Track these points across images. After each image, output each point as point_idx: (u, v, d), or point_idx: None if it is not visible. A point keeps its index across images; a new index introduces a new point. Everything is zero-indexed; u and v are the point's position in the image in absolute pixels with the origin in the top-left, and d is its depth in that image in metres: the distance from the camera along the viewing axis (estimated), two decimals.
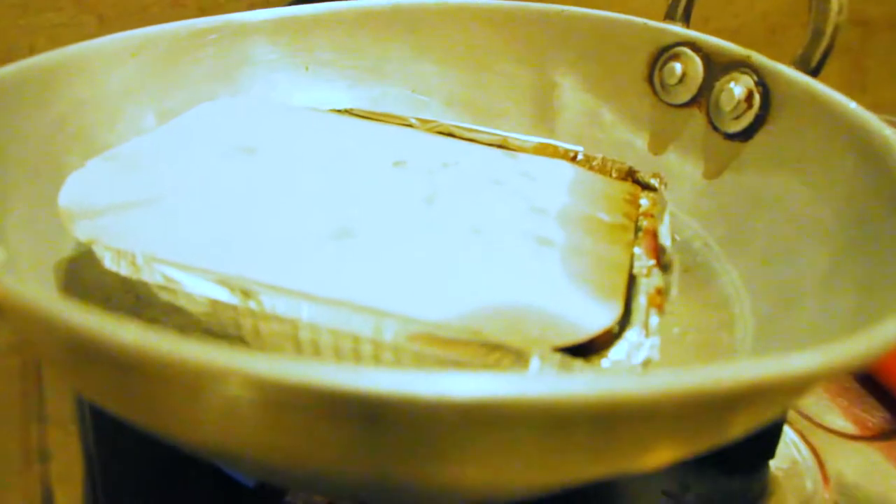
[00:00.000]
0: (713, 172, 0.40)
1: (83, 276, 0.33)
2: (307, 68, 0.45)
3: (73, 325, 0.18)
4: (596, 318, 0.27)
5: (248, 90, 0.43)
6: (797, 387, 0.20)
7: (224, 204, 0.31)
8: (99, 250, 0.29)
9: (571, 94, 0.45)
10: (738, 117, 0.39)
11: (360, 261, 0.29)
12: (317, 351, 0.28)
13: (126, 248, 0.29)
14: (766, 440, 0.39)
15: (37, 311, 0.19)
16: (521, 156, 0.38)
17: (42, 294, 0.19)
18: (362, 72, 0.46)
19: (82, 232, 0.29)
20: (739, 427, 0.21)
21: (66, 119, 0.36)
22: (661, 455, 0.21)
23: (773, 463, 0.39)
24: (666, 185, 0.37)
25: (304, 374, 0.16)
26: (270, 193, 0.32)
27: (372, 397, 0.16)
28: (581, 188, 0.36)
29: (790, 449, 0.40)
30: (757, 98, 0.38)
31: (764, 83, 0.38)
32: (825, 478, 0.39)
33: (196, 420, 0.20)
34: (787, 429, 0.41)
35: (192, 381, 0.17)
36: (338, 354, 0.28)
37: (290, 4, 0.47)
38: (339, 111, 0.41)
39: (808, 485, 0.38)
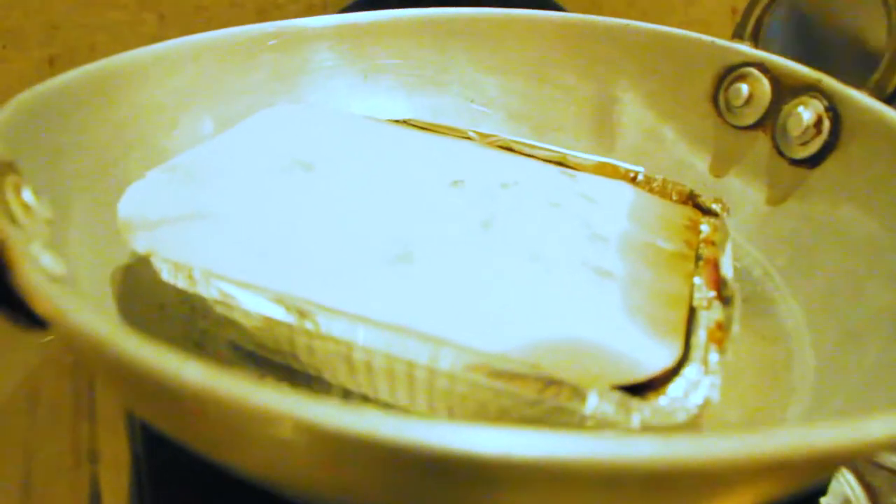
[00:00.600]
0: (777, 199, 0.39)
1: (140, 283, 0.33)
2: (366, 76, 0.44)
3: (132, 357, 0.18)
4: (656, 357, 0.27)
5: (305, 97, 0.43)
6: (876, 450, 0.20)
7: (282, 220, 0.31)
8: (157, 262, 0.30)
9: (633, 110, 0.44)
10: (805, 143, 0.38)
11: (418, 286, 0.28)
12: (370, 373, 0.28)
13: (183, 262, 0.29)
14: None
15: (93, 339, 0.19)
16: (580, 175, 0.37)
17: (100, 321, 0.19)
18: (421, 81, 0.45)
19: (141, 244, 0.29)
20: (801, 485, 0.21)
21: (125, 125, 0.36)
22: None
23: (824, 500, 0.38)
24: (728, 211, 0.36)
25: (366, 425, 0.16)
26: (328, 211, 0.32)
27: (436, 452, 0.16)
28: (641, 212, 0.35)
29: (843, 486, 0.39)
30: (826, 124, 0.37)
31: (835, 109, 0.37)
32: None
33: (250, 455, 0.20)
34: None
35: (251, 424, 0.17)
36: (391, 377, 0.28)
37: (347, 7, 0.47)
38: (397, 122, 0.41)
39: None
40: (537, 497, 0.18)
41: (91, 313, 0.19)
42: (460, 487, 0.18)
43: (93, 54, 0.37)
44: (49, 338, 0.42)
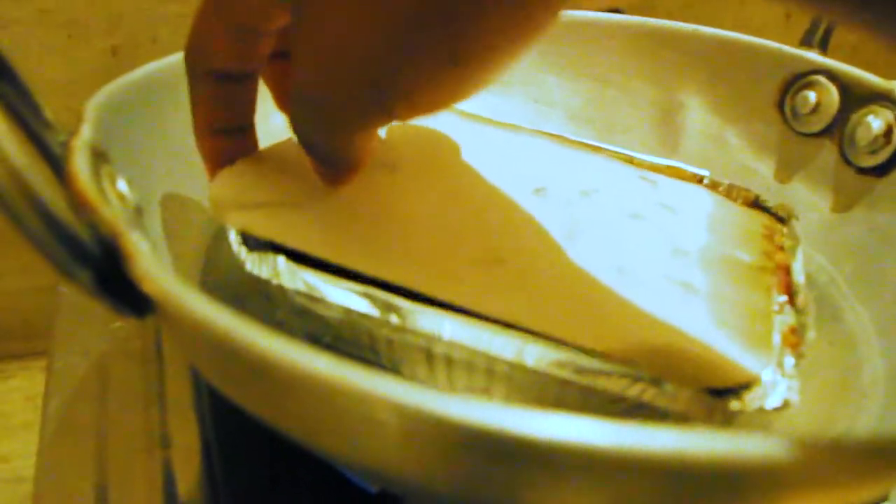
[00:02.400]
0: (843, 206, 0.39)
1: (215, 276, 0.34)
2: None
3: (241, 341, 0.18)
4: (746, 363, 0.27)
5: None
6: None
7: (369, 214, 0.31)
8: (241, 255, 0.30)
9: (697, 115, 0.44)
10: (874, 152, 0.38)
11: (509, 286, 0.29)
12: (449, 365, 0.29)
13: (278, 240, 0.29)
14: None
15: (204, 323, 0.19)
16: (660, 182, 0.38)
17: (208, 304, 0.20)
18: None
19: (235, 221, 0.30)
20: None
21: None
22: None
23: None
24: (798, 218, 0.36)
25: (448, 408, 0.16)
26: (414, 211, 0.32)
27: (517, 439, 0.16)
28: (720, 222, 0.35)
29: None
30: None
31: None
32: None
33: (328, 432, 0.20)
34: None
35: (341, 403, 0.18)
36: (470, 370, 0.28)
37: None
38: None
39: None
40: (612, 491, 0.18)
41: (203, 301, 0.20)
42: (538, 476, 0.18)
43: (155, 46, 0.37)
44: (118, 323, 0.43)
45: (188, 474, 0.35)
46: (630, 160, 0.39)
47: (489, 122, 0.40)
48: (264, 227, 0.30)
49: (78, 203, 0.24)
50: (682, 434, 0.16)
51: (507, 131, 0.40)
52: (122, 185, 0.28)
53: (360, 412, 0.18)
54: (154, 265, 0.21)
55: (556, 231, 0.32)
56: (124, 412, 0.38)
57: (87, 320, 0.43)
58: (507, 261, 0.30)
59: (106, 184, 0.27)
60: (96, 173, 0.26)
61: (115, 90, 0.33)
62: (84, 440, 0.37)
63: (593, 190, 0.35)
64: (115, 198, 0.27)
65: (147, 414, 0.38)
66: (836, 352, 0.34)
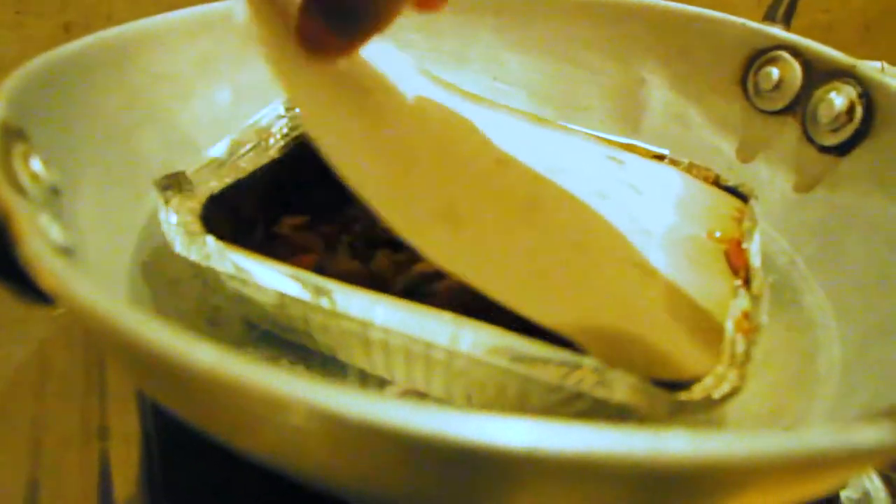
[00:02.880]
0: (805, 186, 0.38)
1: (152, 258, 0.33)
2: None
3: (140, 338, 0.17)
4: (699, 358, 0.26)
5: None
6: None
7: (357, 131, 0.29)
8: (170, 234, 0.29)
9: (660, 92, 0.43)
10: (836, 130, 0.37)
11: (462, 248, 0.27)
12: (386, 352, 0.27)
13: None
14: None
15: (102, 317, 0.18)
16: (628, 162, 0.36)
17: (109, 300, 0.18)
18: (443, 55, 0.44)
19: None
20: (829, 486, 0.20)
21: (139, 95, 0.35)
22: None
23: (844, 494, 0.37)
24: (757, 198, 0.35)
25: (383, 415, 0.15)
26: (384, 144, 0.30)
27: (458, 446, 0.15)
28: (688, 203, 0.34)
29: (863, 480, 0.38)
30: (859, 111, 0.36)
31: (868, 95, 0.36)
32: None
33: (262, 439, 0.19)
34: None
35: (264, 409, 0.16)
36: (408, 358, 0.27)
37: None
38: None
39: None
40: (567, 497, 0.17)
41: (98, 289, 0.19)
42: (483, 484, 0.17)
43: (109, 23, 0.36)
44: (60, 311, 0.42)
45: (125, 465, 0.34)
46: (589, 139, 0.38)
47: (457, 90, 0.39)
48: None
49: None
50: (626, 435, 0.15)
51: (476, 104, 0.38)
52: (35, 164, 0.26)
53: (252, 409, 0.16)
54: (42, 249, 0.20)
55: (518, 202, 0.31)
56: (62, 402, 0.37)
57: (28, 309, 0.41)
58: (466, 222, 0.28)
59: (17, 162, 0.25)
60: (5, 151, 0.25)
61: (39, 66, 0.31)
62: (18, 431, 0.35)
63: (559, 168, 0.34)
64: (26, 177, 0.25)
65: (86, 404, 0.37)
66: (793, 336, 0.33)
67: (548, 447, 0.15)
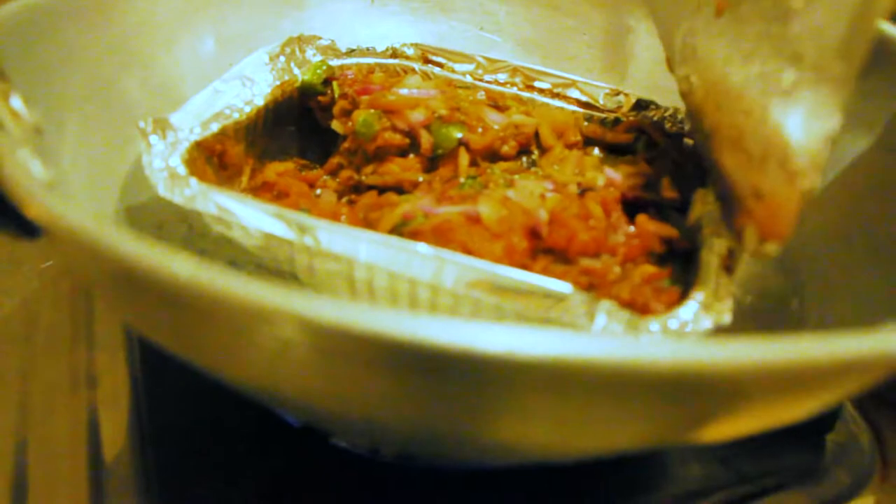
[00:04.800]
0: None
1: (136, 203, 0.33)
2: (372, 0, 0.43)
3: (122, 254, 0.17)
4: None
5: (310, 21, 0.42)
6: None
7: None
8: (153, 176, 0.29)
9: (647, 40, 0.43)
10: None
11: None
12: (371, 292, 0.27)
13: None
14: (825, 414, 0.37)
15: (85, 238, 0.18)
16: None
17: (91, 221, 0.18)
18: (429, 5, 0.44)
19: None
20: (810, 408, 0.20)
21: (121, 43, 0.35)
22: (724, 429, 0.20)
23: (829, 438, 0.38)
24: None
25: (363, 320, 0.15)
26: None
27: (435, 349, 0.15)
28: None
29: (848, 424, 0.39)
30: None
31: None
32: (883, 455, 0.37)
33: (245, 359, 0.19)
34: (846, 403, 0.39)
35: (244, 320, 0.16)
36: (393, 297, 0.27)
37: None
38: (405, 45, 0.39)
39: (865, 462, 0.37)
40: (541, 406, 0.17)
41: (80, 211, 0.19)
42: (460, 394, 0.17)
43: None
44: (48, 263, 0.42)
45: (114, 414, 0.34)
46: (573, 84, 0.38)
47: (418, 48, 0.39)
48: None
49: None
50: (607, 340, 0.15)
51: None
52: (16, 102, 0.26)
53: (231, 322, 0.16)
54: (25, 176, 0.20)
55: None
56: (50, 353, 0.37)
57: (15, 262, 0.41)
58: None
59: None
60: None
61: (16, 10, 0.31)
62: (8, 381, 0.35)
63: None
64: (7, 115, 0.25)
65: (74, 354, 0.37)
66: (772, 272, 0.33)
67: (525, 351, 0.15)
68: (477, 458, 0.24)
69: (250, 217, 0.27)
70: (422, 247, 0.25)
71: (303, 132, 0.38)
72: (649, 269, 0.28)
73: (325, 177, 0.35)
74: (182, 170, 0.29)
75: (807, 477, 0.36)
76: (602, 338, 0.15)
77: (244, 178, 0.34)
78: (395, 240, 0.26)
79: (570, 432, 0.18)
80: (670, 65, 0.34)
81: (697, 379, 0.16)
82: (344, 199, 0.33)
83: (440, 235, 0.27)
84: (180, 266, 0.16)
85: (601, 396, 0.16)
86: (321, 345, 0.16)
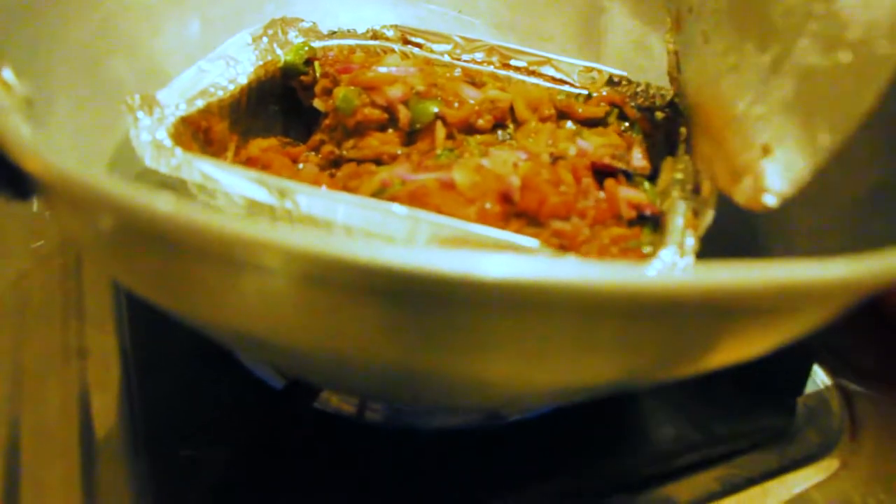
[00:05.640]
0: None
1: (125, 177, 0.34)
2: None
3: (110, 194, 0.18)
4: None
5: (292, 5, 0.43)
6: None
7: None
8: (140, 148, 0.30)
9: (620, 19, 0.44)
10: None
11: None
12: None
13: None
14: (795, 377, 0.39)
15: (76, 182, 0.19)
16: None
17: (81, 168, 0.19)
18: None
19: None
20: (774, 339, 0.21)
21: (109, 24, 0.36)
22: (689, 364, 0.21)
23: (800, 401, 0.39)
24: None
25: (333, 246, 0.16)
26: None
27: (399, 271, 0.16)
28: None
29: (819, 387, 0.40)
30: None
31: None
32: (852, 418, 0.39)
33: (228, 300, 0.20)
34: (816, 368, 0.40)
35: (226, 252, 0.17)
36: None
37: None
38: (385, 27, 0.41)
39: (834, 424, 0.38)
40: (507, 334, 0.18)
41: (74, 161, 0.20)
42: (428, 321, 0.18)
43: None
44: (39, 243, 0.43)
45: (104, 385, 0.35)
46: (548, 62, 0.39)
47: (398, 30, 0.40)
48: None
49: None
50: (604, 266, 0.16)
51: None
52: (7, 73, 0.27)
53: (215, 260, 0.17)
54: (22, 133, 0.21)
55: None
56: (42, 327, 0.38)
57: (7, 240, 0.42)
58: None
59: None
60: None
61: None
62: (1, 353, 0.36)
63: None
64: None
65: (65, 327, 0.38)
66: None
67: (525, 276, 0.16)
68: (446, 400, 0.25)
69: (233, 183, 0.28)
70: (397, 207, 0.26)
71: (286, 111, 0.39)
72: (618, 230, 0.29)
73: (307, 152, 0.36)
74: (168, 142, 0.30)
75: (778, 438, 0.37)
76: (578, 262, 0.16)
77: (229, 154, 0.35)
78: (371, 201, 0.27)
79: (535, 364, 0.19)
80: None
81: (669, 301, 0.17)
82: (325, 174, 0.34)
83: (416, 200, 0.28)
84: (165, 203, 0.17)
85: (566, 321, 0.17)
86: (302, 272, 0.17)
